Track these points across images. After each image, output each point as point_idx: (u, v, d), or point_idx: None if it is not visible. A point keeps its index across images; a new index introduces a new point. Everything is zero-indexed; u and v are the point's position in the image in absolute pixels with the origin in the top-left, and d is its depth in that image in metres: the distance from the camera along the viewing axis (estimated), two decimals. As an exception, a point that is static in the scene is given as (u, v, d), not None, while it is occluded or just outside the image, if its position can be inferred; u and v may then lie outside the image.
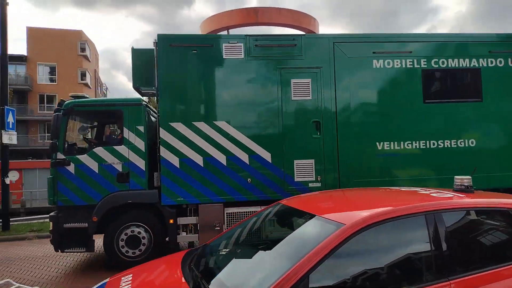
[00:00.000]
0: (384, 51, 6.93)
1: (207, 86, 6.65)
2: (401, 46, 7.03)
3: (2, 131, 10.66)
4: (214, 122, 6.57)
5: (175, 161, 6.46)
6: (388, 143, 6.85)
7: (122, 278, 2.99)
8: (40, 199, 19.35)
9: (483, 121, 7.05)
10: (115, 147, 6.66)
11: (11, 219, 11.66)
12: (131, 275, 3.03)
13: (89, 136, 7.72)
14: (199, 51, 6.64)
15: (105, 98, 7.04)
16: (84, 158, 6.58)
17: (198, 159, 6.50)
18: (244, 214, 6.49)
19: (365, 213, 2.58)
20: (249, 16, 21.45)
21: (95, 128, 7.78)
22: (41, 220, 12.77)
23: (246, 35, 6.84)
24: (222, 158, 6.56)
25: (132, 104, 6.84)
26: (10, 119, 11.04)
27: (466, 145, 6.98)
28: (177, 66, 6.61)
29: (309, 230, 2.80)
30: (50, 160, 6.70)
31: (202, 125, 6.55)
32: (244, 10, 22.13)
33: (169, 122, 6.49)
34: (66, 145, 6.73)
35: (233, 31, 20.70)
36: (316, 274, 2.23)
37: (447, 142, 6.94)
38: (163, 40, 6.66)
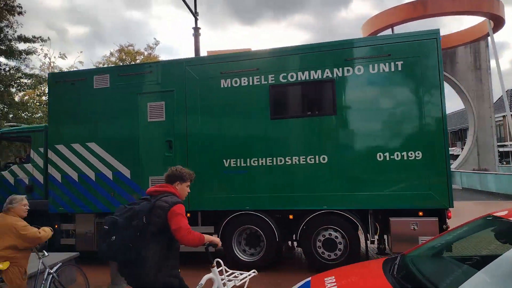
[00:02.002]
0: (231, 71, 7.07)
1: (82, 113, 7.79)
2: (248, 64, 7.04)
3: None
4: (86, 143, 7.70)
5: (58, 176, 7.81)
6: (234, 160, 6.99)
7: (325, 279, 3.23)
8: None
9: (339, 136, 6.65)
10: (24, 165, 8.37)
11: None
12: (333, 276, 3.24)
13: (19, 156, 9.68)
14: (76, 84, 7.86)
15: (23, 126, 8.81)
16: (5, 173, 8.46)
17: (74, 175, 7.73)
18: (109, 224, 7.49)
19: None
20: (416, 10, 21.08)
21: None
22: None
23: (112, 67, 7.84)
24: (92, 175, 7.66)
25: (37, 130, 8.44)
26: None
27: (317, 162, 6.64)
28: (60, 97, 7.95)
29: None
30: None
31: (77, 146, 7.74)
32: (410, 4, 21.61)
33: (55, 144, 7.87)
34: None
35: (398, 29, 20.58)
36: None
37: (295, 159, 6.73)
38: (51, 77, 8.16)
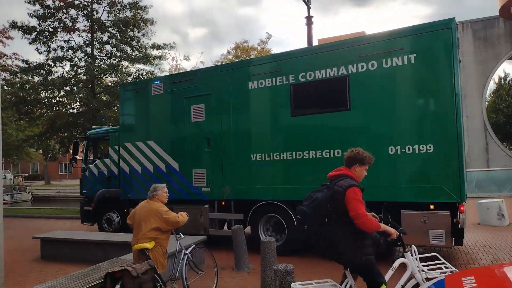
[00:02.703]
0: (257, 73, 7.85)
1: (143, 116, 9.36)
2: (272, 67, 7.75)
3: None
4: (147, 141, 9.22)
5: (127, 169, 9.50)
6: (260, 154, 7.77)
7: (463, 279, 3.07)
8: None
9: (350, 131, 6.93)
10: (104, 159, 10.33)
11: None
12: (472, 276, 3.08)
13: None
14: (139, 92, 9.47)
15: (105, 128, 10.43)
16: (92, 167, 10.54)
17: (138, 168, 9.31)
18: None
19: None
20: None
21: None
22: None
23: (165, 76, 9.27)
24: (150, 167, 9.15)
25: (113, 131, 10.27)
26: None
27: (332, 156, 7.02)
28: (128, 103, 9.68)
29: None
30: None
31: (140, 144, 9.32)
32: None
33: (124, 142, 9.58)
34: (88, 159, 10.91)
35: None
36: None
37: (312, 153, 7.23)
38: (122, 88, 10.01)
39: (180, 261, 5.10)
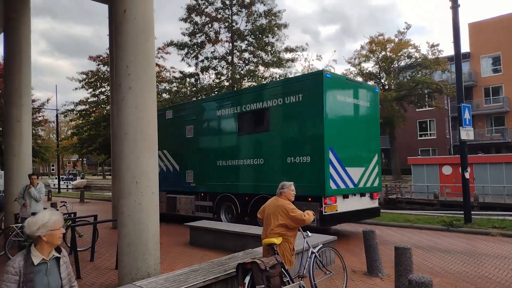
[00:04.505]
0: (221, 105, 11.37)
1: (161, 133, 12.12)
2: (229, 100, 11.26)
3: (461, 127, 11.06)
4: (163, 150, 12.90)
5: None
6: (221, 161, 11.24)
7: None
8: (492, 194, 19.46)
9: (269, 146, 9.96)
10: None
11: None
12: None
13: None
14: (159, 116, 13.48)
15: None
16: None
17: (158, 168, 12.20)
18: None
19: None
20: None
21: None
22: (501, 217, 12.07)
23: (172, 106, 14.46)
24: (165, 168, 13.26)
25: None
26: (467, 115, 11.22)
27: (259, 163, 10.15)
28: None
29: None
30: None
31: (160, 152, 12.28)
32: None
33: None
34: None
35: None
36: None
37: (249, 161, 10.46)
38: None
39: (308, 259, 5.11)
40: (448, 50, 64.19)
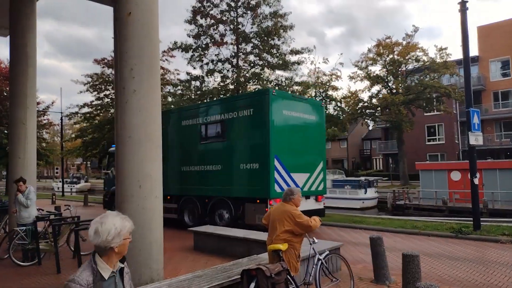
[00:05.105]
0: (186, 116, 12.39)
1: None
2: (193, 112, 12.24)
3: (469, 132, 10.81)
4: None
5: None
6: (185, 166, 12.17)
7: None
8: (501, 201, 19.12)
9: (226, 154, 10.96)
10: None
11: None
12: None
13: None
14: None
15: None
16: (110, 172, 12.41)
17: None
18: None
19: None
20: None
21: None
22: (511, 224, 11.89)
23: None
24: None
25: None
26: (476, 120, 10.99)
27: (217, 169, 10.97)
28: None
29: None
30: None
31: None
32: None
33: None
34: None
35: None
36: None
37: (208, 166, 11.28)
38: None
39: (314, 265, 5.01)
40: (456, 53, 63.63)
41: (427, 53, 31.47)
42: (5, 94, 25.17)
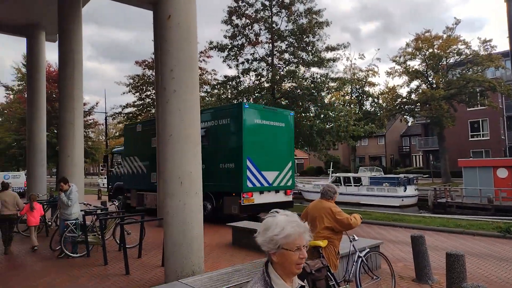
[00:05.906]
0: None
1: (133, 142, 14.76)
2: None
3: None
4: (134, 156, 15.56)
5: (126, 171, 12.07)
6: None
7: None
8: None
9: (209, 155, 11.72)
10: (118, 166, 13.09)
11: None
12: None
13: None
14: (132, 129, 16.27)
15: (119, 147, 20.58)
16: (113, 170, 13.38)
17: (130, 171, 11.82)
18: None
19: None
20: None
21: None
22: None
23: (142, 121, 15.91)
24: (135, 170, 15.57)
25: (122, 150, 12.67)
26: None
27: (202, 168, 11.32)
28: (127, 135, 16.50)
29: None
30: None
31: (131, 157, 12.75)
32: None
33: (125, 156, 12.75)
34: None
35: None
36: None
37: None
38: (126, 126, 17.92)
39: (354, 263, 4.97)
40: (502, 45, 60.17)
41: (469, 46, 30.04)
42: (54, 96, 26.57)
